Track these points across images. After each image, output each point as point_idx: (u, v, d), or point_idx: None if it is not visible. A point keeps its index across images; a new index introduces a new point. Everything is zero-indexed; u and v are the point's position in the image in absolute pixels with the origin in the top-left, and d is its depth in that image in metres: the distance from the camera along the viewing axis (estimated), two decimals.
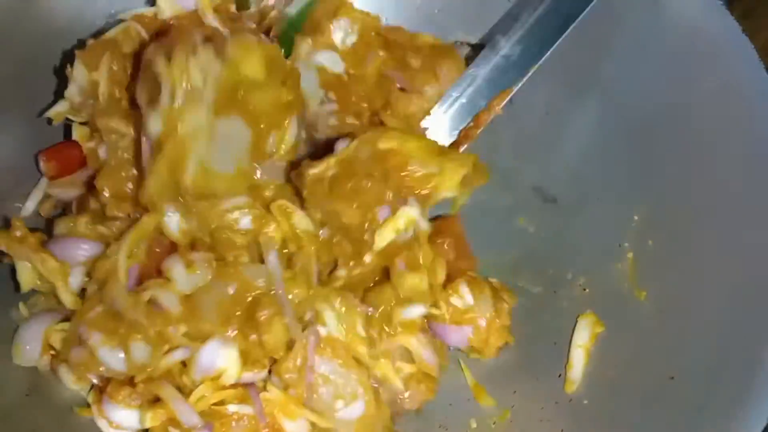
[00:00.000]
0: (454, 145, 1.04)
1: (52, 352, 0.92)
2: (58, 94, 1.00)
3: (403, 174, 0.89)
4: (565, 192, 1.07)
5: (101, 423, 0.88)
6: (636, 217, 1.00)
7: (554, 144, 1.08)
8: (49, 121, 0.99)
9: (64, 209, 1.02)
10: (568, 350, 0.98)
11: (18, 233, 0.91)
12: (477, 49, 1.11)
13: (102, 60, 0.94)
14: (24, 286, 0.93)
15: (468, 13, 1.11)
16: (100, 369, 0.85)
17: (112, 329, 0.84)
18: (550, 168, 1.08)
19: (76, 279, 0.91)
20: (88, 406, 0.92)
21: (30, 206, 1.00)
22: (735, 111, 0.91)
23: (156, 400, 0.86)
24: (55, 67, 1.00)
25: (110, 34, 0.98)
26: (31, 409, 0.91)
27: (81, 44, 0.98)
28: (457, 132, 1.04)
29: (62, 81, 1.00)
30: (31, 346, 0.92)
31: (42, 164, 1.00)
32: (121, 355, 0.84)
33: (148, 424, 0.85)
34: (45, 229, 0.99)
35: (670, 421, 0.87)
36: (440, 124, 1.04)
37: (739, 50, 0.91)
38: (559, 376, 0.98)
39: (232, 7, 1.03)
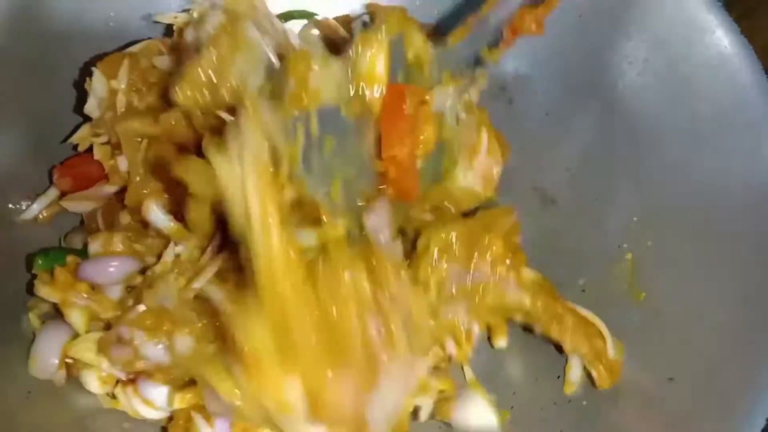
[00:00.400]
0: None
1: (68, 360, 0.93)
2: (59, 94, 1.02)
3: None
4: (564, 193, 1.06)
5: (135, 402, 0.90)
6: (635, 218, 1.00)
7: (553, 145, 1.08)
8: (75, 146, 1.00)
9: (83, 222, 1.04)
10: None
11: (62, 280, 0.92)
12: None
13: (121, 67, 0.94)
14: (81, 331, 0.93)
15: (468, 15, 1.11)
16: (142, 363, 0.87)
17: (155, 326, 0.86)
18: (549, 169, 1.08)
19: (115, 294, 0.93)
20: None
21: (34, 210, 1.01)
22: (734, 111, 0.91)
23: (184, 386, 0.88)
24: (55, 69, 1.01)
25: (132, 49, 0.98)
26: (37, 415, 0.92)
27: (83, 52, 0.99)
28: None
29: (63, 81, 1.02)
30: (50, 360, 0.92)
31: (56, 179, 1.01)
32: (165, 348, 0.86)
33: (176, 405, 0.87)
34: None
35: (669, 422, 0.87)
36: None
37: (737, 51, 0.91)
38: (558, 377, 0.98)
39: None
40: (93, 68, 0.95)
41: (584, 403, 0.95)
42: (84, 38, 1.01)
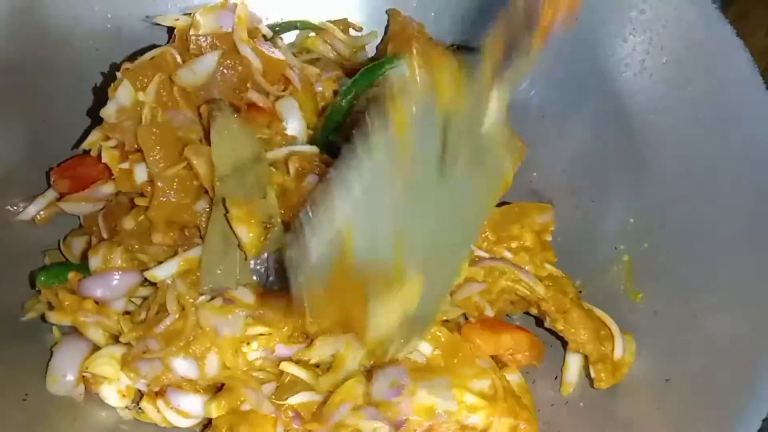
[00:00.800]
0: None
1: (86, 374, 0.93)
2: (56, 95, 1.02)
3: None
4: (560, 194, 1.07)
5: (168, 413, 0.89)
6: (632, 220, 1.00)
7: (550, 146, 1.08)
8: (85, 151, 1.00)
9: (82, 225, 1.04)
10: (564, 353, 0.98)
11: (68, 303, 0.93)
12: (472, 52, 1.11)
13: (153, 81, 0.94)
14: (102, 345, 0.93)
15: (464, 16, 1.11)
16: (170, 377, 0.87)
17: (188, 343, 0.86)
18: (545, 170, 1.08)
19: (119, 307, 0.94)
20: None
21: (31, 211, 1.00)
22: (730, 114, 0.91)
23: (218, 390, 0.88)
24: (52, 70, 1.01)
25: (147, 56, 0.97)
26: None
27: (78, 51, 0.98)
28: None
29: (60, 83, 1.02)
30: (68, 377, 0.93)
31: (53, 181, 1.01)
32: (195, 365, 0.86)
33: (214, 414, 0.87)
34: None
35: (665, 423, 0.87)
36: None
37: (733, 53, 0.91)
38: (555, 378, 0.98)
39: (264, 29, 1.03)
40: (118, 74, 0.95)
41: (581, 404, 0.96)
42: (82, 40, 1.01)
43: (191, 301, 0.88)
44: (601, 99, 1.03)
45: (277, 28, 1.12)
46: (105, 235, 0.97)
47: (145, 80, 0.94)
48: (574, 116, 1.06)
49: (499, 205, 0.99)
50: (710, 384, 0.85)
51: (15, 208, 1.00)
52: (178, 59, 0.96)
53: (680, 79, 0.95)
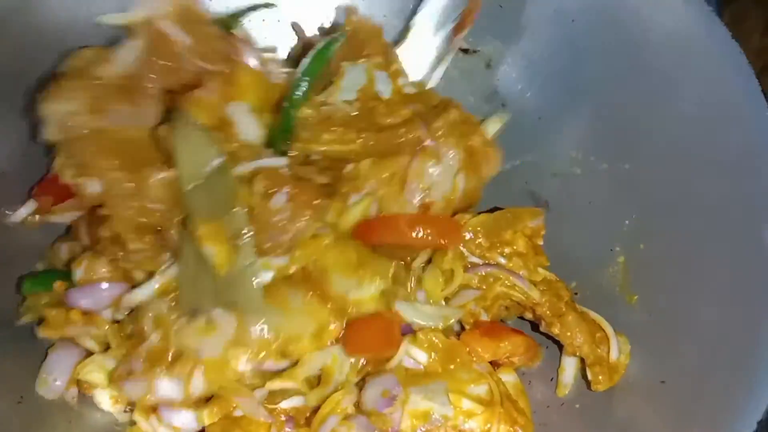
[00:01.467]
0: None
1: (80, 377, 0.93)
2: None
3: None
4: (557, 196, 1.07)
5: (161, 430, 0.88)
6: (627, 222, 1.00)
7: (546, 148, 1.08)
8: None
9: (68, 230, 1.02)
10: (560, 354, 0.98)
11: (56, 320, 0.92)
12: (468, 53, 1.11)
13: (77, 92, 0.88)
14: (97, 350, 0.93)
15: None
16: (156, 398, 0.85)
17: (174, 363, 0.85)
18: (542, 172, 1.08)
19: (108, 315, 0.93)
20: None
21: (22, 214, 0.99)
22: (725, 116, 0.91)
23: (209, 399, 0.88)
24: (47, 74, 1.00)
25: (66, 66, 0.92)
26: None
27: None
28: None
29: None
30: (59, 380, 0.92)
31: (36, 200, 0.99)
32: (180, 386, 0.85)
33: (206, 422, 0.86)
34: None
35: (661, 425, 0.88)
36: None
37: (728, 55, 0.91)
38: (551, 380, 0.99)
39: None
40: (43, 94, 0.89)
41: (577, 406, 0.96)
42: (74, 42, 1.00)
43: (170, 322, 0.85)
44: (596, 101, 1.03)
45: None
46: (87, 242, 0.96)
47: (72, 91, 0.88)
48: (569, 118, 1.06)
49: (492, 210, 0.99)
50: (706, 385, 0.86)
51: (7, 211, 0.99)
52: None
53: (676, 81, 0.95)
